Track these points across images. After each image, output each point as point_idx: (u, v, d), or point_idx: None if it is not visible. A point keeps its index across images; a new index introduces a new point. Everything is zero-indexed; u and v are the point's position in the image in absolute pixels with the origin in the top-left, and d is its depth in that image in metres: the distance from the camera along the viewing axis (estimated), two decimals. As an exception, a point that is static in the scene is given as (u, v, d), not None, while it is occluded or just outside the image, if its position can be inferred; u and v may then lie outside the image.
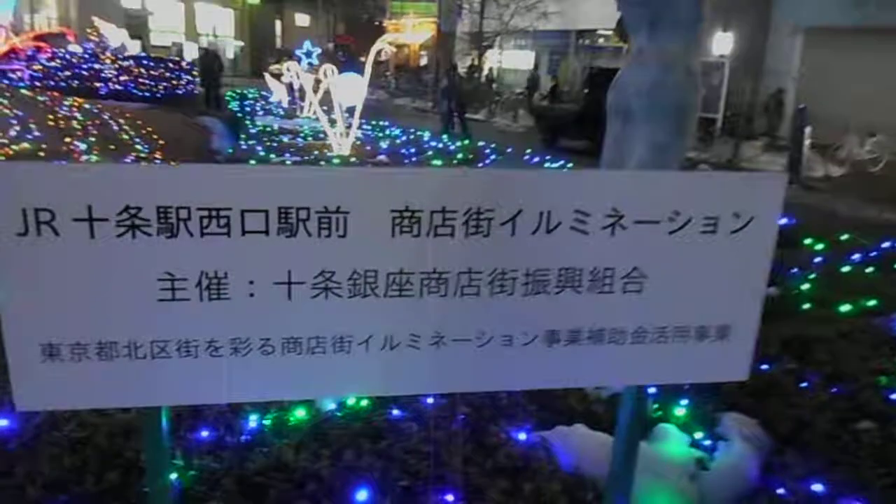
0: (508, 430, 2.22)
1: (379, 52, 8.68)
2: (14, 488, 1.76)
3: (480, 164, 8.08)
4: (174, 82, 18.19)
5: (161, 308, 1.27)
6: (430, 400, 2.24)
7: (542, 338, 1.43)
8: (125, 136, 11.04)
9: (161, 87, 17.94)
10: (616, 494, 1.67)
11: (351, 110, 8.10)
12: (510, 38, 26.14)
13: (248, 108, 14.05)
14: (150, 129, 12.14)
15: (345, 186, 1.28)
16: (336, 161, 7.18)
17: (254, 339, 1.33)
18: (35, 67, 16.75)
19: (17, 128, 9.57)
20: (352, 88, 7.76)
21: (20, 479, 1.80)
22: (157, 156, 10.30)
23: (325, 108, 12.66)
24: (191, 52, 30.53)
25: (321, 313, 1.33)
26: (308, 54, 13.06)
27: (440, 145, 9.61)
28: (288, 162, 7.26)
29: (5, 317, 1.23)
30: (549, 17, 22.60)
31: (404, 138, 10.21)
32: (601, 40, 24.92)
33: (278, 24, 42.71)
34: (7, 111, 10.36)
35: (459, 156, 8.58)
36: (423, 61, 30.87)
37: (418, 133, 11.05)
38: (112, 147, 10.09)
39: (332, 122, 8.40)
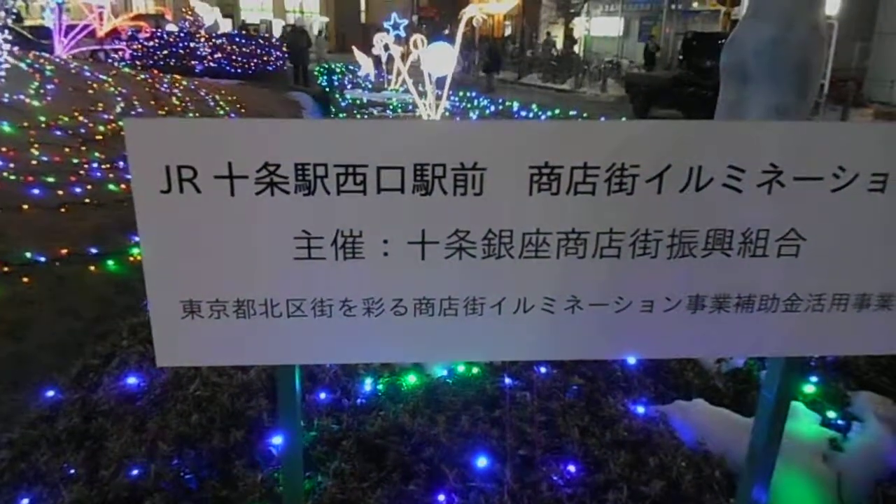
0: (625, 402, 2.14)
1: (470, 20, 8.54)
2: (148, 443, 1.84)
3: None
4: (264, 59, 18.65)
5: (297, 266, 1.26)
6: (542, 370, 2.19)
7: (685, 304, 1.34)
8: (221, 112, 11.41)
9: (252, 64, 18.43)
10: (756, 476, 1.57)
11: (440, 81, 8.04)
12: (598, 4, 25.34)
13: (336, 83, 14.22)
14: (243, 104, 12.51)
15: (482, 141, 1.22)
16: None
17: (386, 299, 1.30)
18: (135, 47, 17.52)
19: (122, 104, 10.04)
20: (441, 58, 7.69)
21: (153, 435, 1.87)
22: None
23: (413, 80, 12.71)
24: (279, 29, 31.24)
25: (454, 274, 1.29)
26: (395, 26, 13.05)
27: (530, 115, 9.43)
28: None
29: (148, 274, 1.25)
30: (640, -19, 21.76)
31: (493, 108, 10.07)
32: (695, 4, 23.80)
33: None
34: (112, 89, 10.88)
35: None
36: (508, 31, 30.37)
37: (507, 103, 10.89)
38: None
39: (422, 94, 8.37)
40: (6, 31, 9.42)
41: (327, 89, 14.53)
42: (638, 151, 1.23)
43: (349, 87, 12.94)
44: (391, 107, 9.61)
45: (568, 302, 1.32)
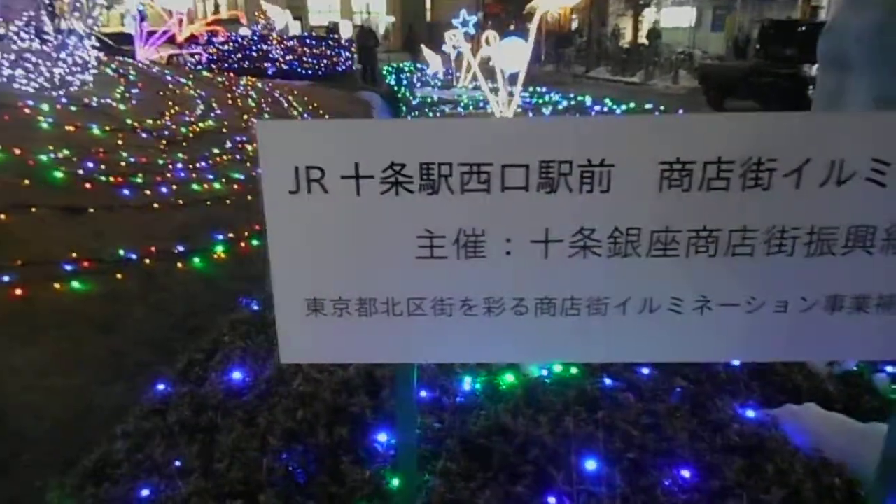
0: (732, 405, 2.06)
1: (545, 14, 8.46)
2: (258, 438, 1.88)
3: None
4: (334, 60, 18.98)
5: (419, 265, 1.26)
6: (644, 371, 2.13)
7: (822, 304, 1.28)
8: (295, 113, 11.67)
9: (322, 65, 18.78)
10: (890, 487, 1.48)
11: (513, 77, 7.99)
12: (669, -6, 24.74)
13: (404, 82, 14.35)
14: (315, 104, 12.75)
15: (610, 137, 1.19)
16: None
17: (507, 298, 1.29)
18: (211, 51, 18.11)
19: (202, 107, 10.38)
20: (514, 54, 7.64)
21: (262, 430, 1.92)
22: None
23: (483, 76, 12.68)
24: (346, 30, 31.74)
25: (578, 273, 1.26)
26: (465, 23, 13.07)
27: (604, 109, 9.27)
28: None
29: (275, 272, 1.27)
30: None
31: (565, 104, 9.95)
32: (771, -10, 22.93)
33: (427, -4, 43.20)
34: (192, 92, 11.26)
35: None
36: (575, 25, 29.95)
37: (578, 98, 10.73)
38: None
39: (493, 90, 8.34)
40: (93, 38, 9.86)
41: (396, 88, 14.67)
42: (776, 145, 1.17)
43: (419, 85, 13.02)
44: (462, 104, 9.62)
45: (697, 302, 1.28)
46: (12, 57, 8.79)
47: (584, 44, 25.79)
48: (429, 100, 10.31)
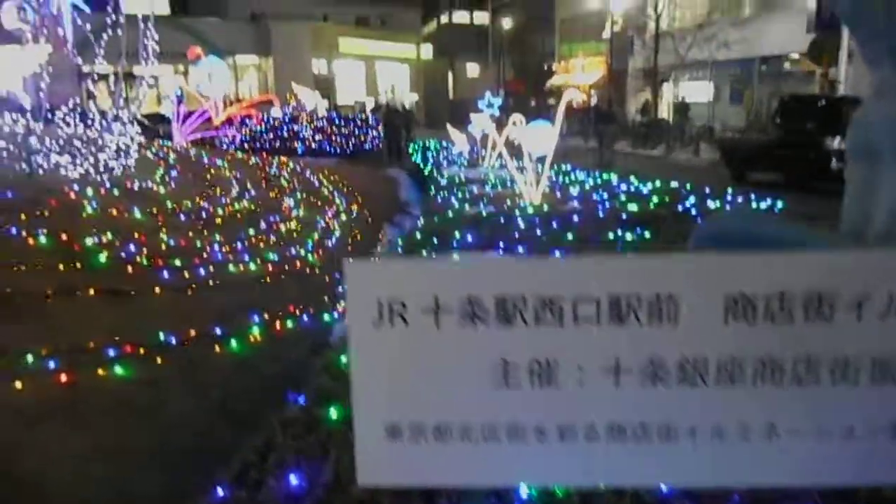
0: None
1: (570, 102, 8.73)
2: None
3: (680, 207, 7.78)
4: (362, 138, 19.58)
5: (494, 393, 1.31)
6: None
7: (888, 429, 1.30)
8: (325, 192, 11.98)
9: (350, 144, 19.37)
10: None
11: (541, 159, 8.21)
12: (686, 70, 25.30)
13: (430, 160, 14.72)
14: (344, 183, 13.09)
15: (677, 273, 1.26)
16: (530, 210, 7.28)
17: (579, 425, 1.33)
18: (244, 131, 18.78)
19: (237, 188, 10.71)
20: (542, 138, 7.88)
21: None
22: (353, 208, 11.07)
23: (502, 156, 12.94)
24: (370, 107, 32.79)
25: (648, 401, 1.31)
26: (490, 105, 13.48)
27: (631, 188, 9.41)
28: (483, 212, 7.45)
29: (355, 397, 1.33)
30: (730, 46, 21.61)
31: (591, 182, 10.12)
32: (787, 65, 23.39)
33: (450, 75, 44.64)
34: (227, 173, 11.65)
35: (655, 199, 8.33)
36: (594, 101, 30.63)
37: (604, 177, 10.91)
38: (316, 202, 10.99)
39: (520, 169, 8.54)
40: (135, 123, 10.31)
41: (421, 166, 15.02)
42: (835, 281, 1.23)
43: (445, 164, 13.34)
44: (489, 183, 9.84)
45: (764, 429, 1.31)
46: (60, 142, 9.21)
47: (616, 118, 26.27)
48: (456, 179, 10.54)
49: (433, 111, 39.24)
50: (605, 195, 8.46)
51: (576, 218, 5.57)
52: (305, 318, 6.14)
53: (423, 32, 46.27)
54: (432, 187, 10.60)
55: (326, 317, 6.17)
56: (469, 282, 1.27)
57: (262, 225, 8.84)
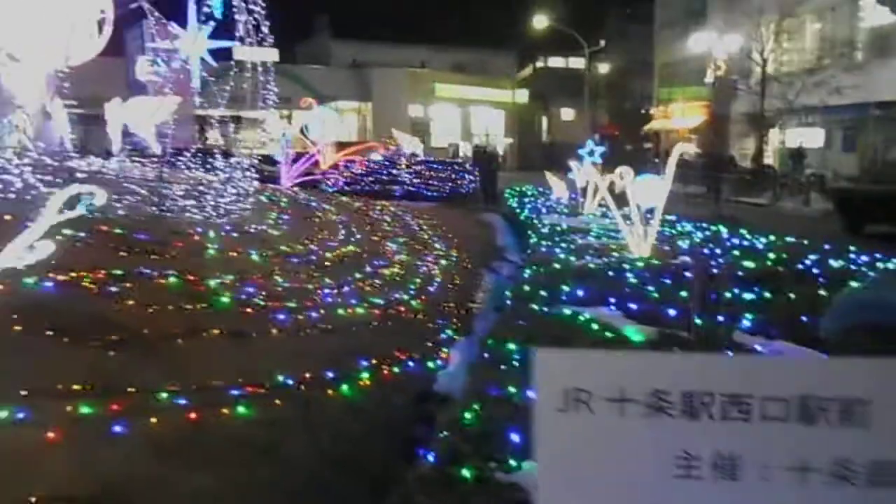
0: None
1: (682, 154, 8.60)
2: None
3: (800, 266, 7.45)
4: (458, 182, 19.92)
5: (676, 484, 1.33)
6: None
7: None
8: (424, 236, 12.24)
9: (447, 187, 19.73)
10: None
11: (649, 210, 8.11)
12: (794, 116, 24.43)
13: (527, 205, 14.80)
14: (442, 227, 13.33)
15: (867, 376, 1.25)
16: (639, 264, 7.18)
17: (762, 521, 1.33)
18: (345, 174, 19.51)
19: (343, 232, 11.11)
20: (651, 191, 7.80)
21: None
22: (453, 253, 11.24)
23: (604, 204, 12.81)
24: (464, 150, 33.41)
25: (834, 501, 1.29)
26: (591, 153, 13.48)
27: (744, 242, 9.10)
28: (591, 265, 7.41)
29: (541, 479, 1.38)
30: (842, 91, 20.74)
31: (700, 235, 9.87)
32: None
33: (544, 119, 44.95)
34: (334, 217, 12.11)
35: (772, 255, 8.02)
36: (694, 146, 30.03)
37: (712, 228, 10.62)
38: (416, 246, 11.24)
39: (627, 220, 8.46)
40: (254, 170, 10.93)
41: (518, 211, 15.09)
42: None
43: (544, 211, 13.37)
44: (593, 233, 9.78)
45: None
46: (185, 187, 9.88)
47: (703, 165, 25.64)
48: (558, 228, 10.53)
49: (527, 155, 39.52)
50: (717, 249, 8.22)
51: (688, 274, 5.44)
52: (410, 363, 6.26)
53: (519, 77, 46.95)
54: (532, 235, 10.62)
55: (430, 363, 6.27)
56: (655, 375, 1.30)
57: (368, 269, 9.10)
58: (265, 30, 10.58)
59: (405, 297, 8.33)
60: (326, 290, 7.78)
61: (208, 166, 11.81)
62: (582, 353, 1.36)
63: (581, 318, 5.09)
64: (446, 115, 41.39)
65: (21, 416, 4.05)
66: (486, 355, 4.47)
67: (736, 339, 4.63)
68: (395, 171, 19.87)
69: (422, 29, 44.56)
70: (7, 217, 7.44)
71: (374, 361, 6.02)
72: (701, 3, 32.58)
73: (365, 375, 5.83)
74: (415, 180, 19.85)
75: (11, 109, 12.45)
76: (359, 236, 10.93)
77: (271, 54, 11.24)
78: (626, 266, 7.03)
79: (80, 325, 5.44)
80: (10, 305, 5.14)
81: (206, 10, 10.19)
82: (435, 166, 20.36)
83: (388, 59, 40.04)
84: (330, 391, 5.57)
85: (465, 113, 41.75)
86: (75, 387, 4.48)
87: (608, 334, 4.75)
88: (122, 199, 8.74)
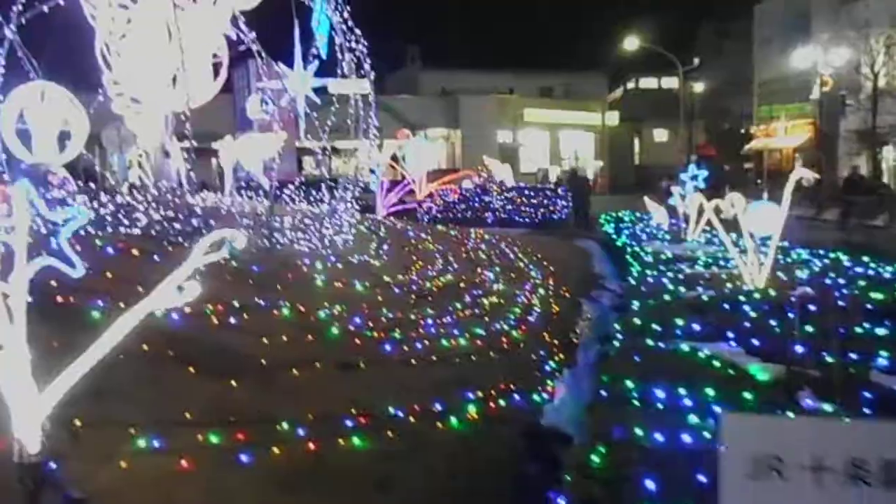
0: None
1: (799, 180, 8.20)
2: None
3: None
4: (550, 208, 19.80)
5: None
6: None
7: None
8: (520, 264, 12.17)
9: (539, 213, 19.65)
10: None
11: (764, 238, 7.75)
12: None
13: (624, 231, 14.49)
14: (537, 254, 13.21)
15: None
16: (756, 295, 6.85)
17: None
18: (438, 202, 19.78)
19: (441, 261, 11.21)
20: (766, 219, 7.45)
21: None
22: (550, 281, 11.12)
23: (707, 230, 12.35)
24: (554, 175, 33.14)
25: None
26: (694, 177, 13.07)
27: (869, 272, 8.52)
28: (704, 296, 7.13)
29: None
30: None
31: (819, 263, 9.32)
32: None
33: (636, 141, 44.15)
34: (431, 246, 12.26)
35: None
36: (798, 165, 28.66)
37: (832, 255, 10.01)
38: (512, 275, 11.20)
39: (737, 246, 8.10)
40: (356, 202, 11.24)
41: (614, 237, 14.77)
42: None
43: (644, 237, 13.03)
44: (700, 262, 9.43)
45: None
46: (292, 219, 10.26)
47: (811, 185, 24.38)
48: (662, 255, 10.21)
49: (619, 178, 38.84)
50: (840, 279, 7.74)
51: (812, 307, 5.15)
52: (516, 396, 6.20)
53: (609, 99, 46.40)
54: (633, 262, 10.36)
55: (536, 397, 6.19)
56: (854, 442, 1.23)
57: (467, 298, 9.13)
58: (367, 67, 10.94)
59: (505, 326, 8.29)
60: (429, 320, 7.85)
61: (311, 198, 12.26)
62: (773, 418, 1.30)
63: (701, 354, 4.89)
64: (535, 139, 41.34)
65: (157, 444, 4.28)
66: (603, 393, 4.37)
67: (873, 378, 4.33)
68: (487, 199, 19.97)
69: (509, 55, 44.96)
70: (135, 251, 7.98)
71: (479, 393, 6.01)
72: (802, 19, 31.27)
73: (472, 408, 5.81)
74: (507, 207, 19.88)
75: (131, 148, 13.37)
76: (456, 266, 11.00)
77: (363, 86, 11.58)
78: (742, 298, 6.72)
79: (204, 356, 5.72)
80: (141, 337, 5.47)
81: (312, 50, 10.63)
82: (527, 192, 20.35)
83: (476, 86, 40.51)
84: (439, 423, 5.58)
85: (554, 137, 41.55)
86: (204, 417, 4.70)
87: (731, 372, 4.54)
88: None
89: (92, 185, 11.95)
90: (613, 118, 43.41)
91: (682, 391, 4.16)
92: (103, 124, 12.75)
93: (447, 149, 40.63)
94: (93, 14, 11.15)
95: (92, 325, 6.05)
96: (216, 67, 9.85)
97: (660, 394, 4.09)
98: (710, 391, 4.17)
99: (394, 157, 21.16)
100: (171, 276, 3.40)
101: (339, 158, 27.39)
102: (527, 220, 19.50)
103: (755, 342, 5.27)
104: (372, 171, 18.69)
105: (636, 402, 4.07)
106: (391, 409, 5.44)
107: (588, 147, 42.15)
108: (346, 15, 10.62)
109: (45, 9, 11.46)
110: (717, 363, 4.75)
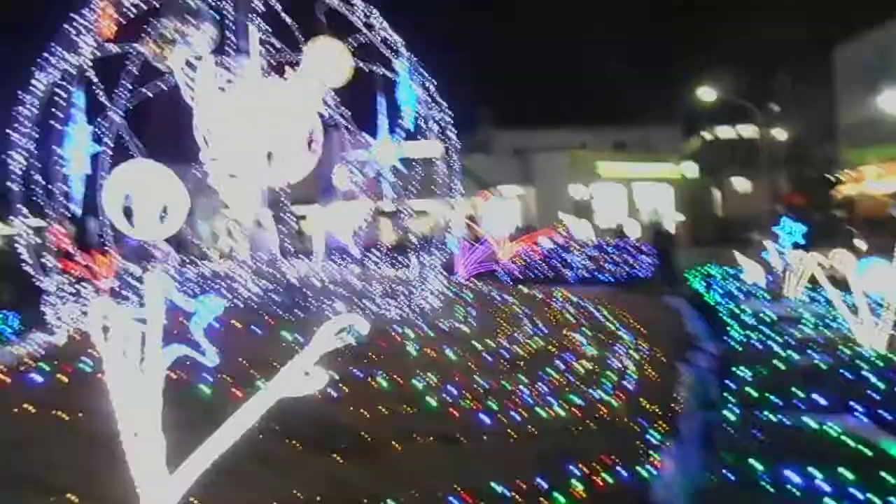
0: None
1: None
2: None
3: None
4: (633, 265, 19.38)
5: None
6: None
7: None
8: (609, 325, 11.88)
9: (622, 271, 19.25)
10: None
11: (877, 298, 7.29)
12: None
13: (716, 288, 13.96)
14: (626, 315, 12.86)
15: None
16: (879, 363, 6.38)
17: None
18: (518, 261, 19.68)
19: (528, 324, 11.06)
20: (882, 279, 7.01)
21: None
22: (642, 343, 10.76)
23: (810, 287, 11.75)
24: (631, 230, 32.53)
25: None
26: (790, 232, 12.54)
27: None
28: (818, 361, 6.72)
29: None
30: None
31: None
32: None
33: (717, 192, 43.08)
34: (517, 309, 12.14)
35: None
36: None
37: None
38: (602, 337, 10.92)
39: (852, 308, 7.64)
40: (438, 265, 11.32)
41: (704, 294, 14.24)
42: None
43: (740, 296, 12.52)
44: (807, 323, 8.94)
45: None
46: (381, 286, 10.41)
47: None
48: (762, 316, 9.74)
49: (700, 231, 37.79)
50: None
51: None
52: (622, 470, 5.96)
53: (686, 150, 45.67)
54: (731, 323, 9.91)
55: (642, 471, 5.93)
56: None
57: (559, 364, 8.95)
58: (452, 136, 11.18)
59: (602, 394, 8.06)
60: (523, 389, 7.72)
61: (397, 263, 12.45)
62: None
63: (829, 429, 4.57)
64: (610, 194, 40.89)
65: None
66: (729, 475, 4.12)
67: None
68: (567, 257, 19.77)
69: (581, 111, 45.07)
70: (237, 324, 8.25)
71: (583, 467, 5.81)
72: (887, 59, 30.21)
73: (578, 484, 5.63)
74: (588, 265, 19.60)
75: (221, 217, 13.97)
76: (545, 329, 10.83)
77: (436, 149, 11.81)
78: (862, 364, 6.29)
79: (308, 430, 5.78)
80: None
81: (399, 122, 10.97)
82: (608, 249, 20.01)
83: (548, 143, 40.71)
84: (545, 501, 5.42)
85: (630, 191, 41.00)
86: (316, 495, 4.72)
87: (866, 451, 4.22)
88: (331, 301, 9.38)
89: (182, 252, 12.52)
90: (691, 169, 42.58)
91: (815, 473, 3.88)
92: (196, 194, 13.43)
93: (521, 206, 40.70)
94: (192, 97, 11.93)
95: (203, 399, 6.25)
96: (311, 145, 10.27)
97: (793, 477, 3.83)
98: (847, 473, 3.88)
99: (471, 218, 21.30)
100: (296, 360, 3.48)
101: (417, 219, 27.85)
102: (610, 277, 19.12)
103: (886, 415, 4.90)
104: (449, 232, 18.90)
105: (767, 486, 3.82)
106: (495, 486, 5.32)
107: (666, 200, 41.29)
108: (430, 88, 10.95)
109: (150, 94, 12.35)
110: (848, 440, 4.42)
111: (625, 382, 8.65)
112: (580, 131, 43.67)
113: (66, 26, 10.09)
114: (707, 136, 46.50)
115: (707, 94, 35.67)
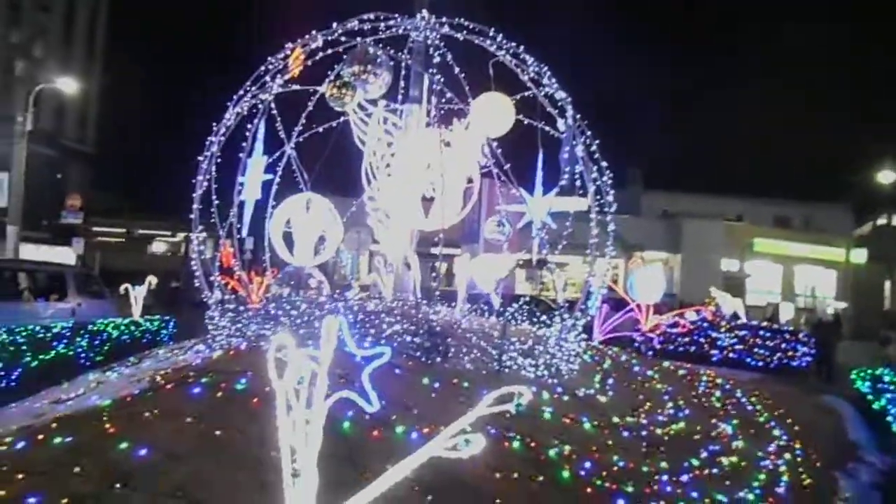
0: None
1: None
2: None
3: None
4: (788, 353, 17.91)
5: None
6: None
7: None
8: (761, 419, 10.96)
9: (775, 358, 17.84)
10: None
11: None
12: None
13: (887, 392, 12.51)
14: (779, 409, 11.82)
15: None
16: None
17: None
18: (659, 332, 18.73)
19: (671, 404, 10.41)
20: None
21: None
22: (795, 444, 9.81)
23: None
24: (785, 312, 30.18)
25: None
26: None
27: None
28: None
29: None
30: None
31: None
32: None
33: (887, 284, 39.18)
34: (658, 385, 11.49)
35: None
36: None
37: None
38: (752, 430, 10.05)
39: None
40: (580, 327, 10.94)
41: (871, 398, 12.82)
42: None
43: (918, 405, 11.15)
44: None
45: None
46: (519, 343, 10.21)
47: None
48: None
49: (865, 323, 34.40)
50: None
51: None
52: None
53: (856, 235, 42.10)
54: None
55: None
56: None
57: (704, 454, 8.32)
58: (608, 195, 10.95)
59: (750, 496, 7.39)
60: (664, 476, 7.22)
61: (535, 319, 12.21)
62: None
63: None
64: (765, 271, 38.39)
65: None
66: None
67: None
68: (713, 334, 18.62)
69: (739, 180, 43.02)
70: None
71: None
72: None
73: None
74: (736, 346, 18.34)
75: (366, 251, 14.32)
76: (688, 411, 10.16)
77: (582, 204, 11.53)
78: None
79: (443, 488, 5.64)
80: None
81: (556, 177, 10.90)
82: (761, 332, 18.63)
83: (700, 210, 38.98)
84: None
85: (788, 271, 38.26)
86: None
87: None
88: (470, 352, 9.34)
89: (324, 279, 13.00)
90: (860, 256, 39.09)
91: None
92: (349, 227, 14.05)
93: (665, 272, 39.06)
94: (361, 138, 12.57)
95: (343, 434, 6.34)
96: (466, 192, 10.44)
97: None
98: None
99: (614, 280, 20.63)
100: (456, 423, 3.42)
101: (548, 272, 27.44)
102: (760, 363, 17.76)
103: None
104: (590, 293, 18.37)
105: None
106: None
107: (828, 285, 38.16)
108: (593, 148, 10.83)
109: (321, 129, 13.12)
110: None
111: (776, 487, 7.90)
112: (736, 202, 41.59)
113: (261, 67, 11.02)
114: (881, 221, 42.65)
115: (886, 177, 32.83)
